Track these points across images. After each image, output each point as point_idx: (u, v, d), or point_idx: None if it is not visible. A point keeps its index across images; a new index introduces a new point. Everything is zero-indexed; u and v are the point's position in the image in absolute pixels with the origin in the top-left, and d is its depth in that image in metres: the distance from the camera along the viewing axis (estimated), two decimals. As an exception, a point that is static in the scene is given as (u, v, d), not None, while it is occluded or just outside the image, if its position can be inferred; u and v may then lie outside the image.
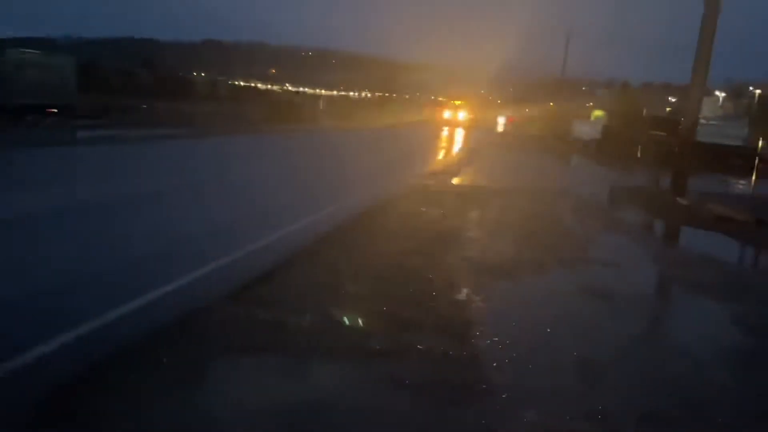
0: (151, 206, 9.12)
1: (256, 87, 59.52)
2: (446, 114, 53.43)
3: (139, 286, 5.20)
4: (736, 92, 62.46)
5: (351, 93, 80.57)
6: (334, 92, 75.19)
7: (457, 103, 56.51)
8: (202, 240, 7.28)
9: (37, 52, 25.30)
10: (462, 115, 52.87)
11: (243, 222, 8.53)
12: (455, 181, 15.11)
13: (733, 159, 24.28)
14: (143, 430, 3.23)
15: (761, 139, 16.02)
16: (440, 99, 68.98)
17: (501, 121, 56.47)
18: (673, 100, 75.54)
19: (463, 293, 5.91)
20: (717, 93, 63.53)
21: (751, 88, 56.87)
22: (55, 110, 22.78)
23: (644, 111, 36.92)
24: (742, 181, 20.72)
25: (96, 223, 7.80)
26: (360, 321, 4.93)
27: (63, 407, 3.39)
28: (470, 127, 47.32)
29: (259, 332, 4.51)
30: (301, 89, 68.17)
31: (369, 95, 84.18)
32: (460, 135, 38.85)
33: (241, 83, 60.54)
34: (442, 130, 42.37)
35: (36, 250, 6.38)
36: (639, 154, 22.19)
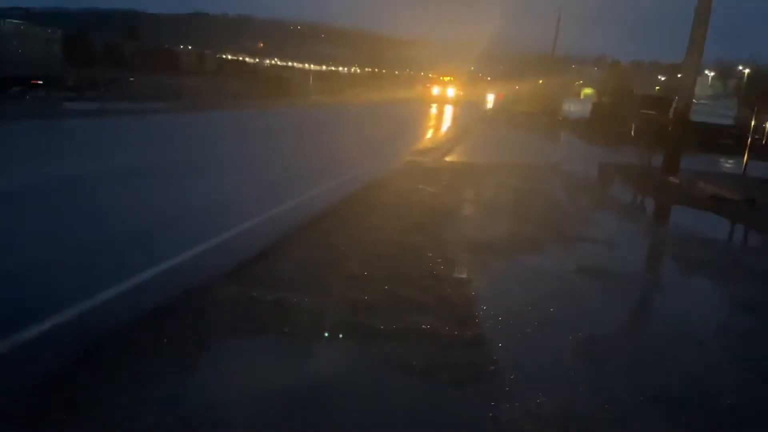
0: (139, 181, 9.00)
1: (243, 61, 58.74)
2: (435, 90, 53.20)
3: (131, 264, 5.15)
4: (725, 72, 62.67)
5: (340, 68, 79.79)
6: (323, 67, 74.47)
7: (447, 79, 56.25)
8: (196, 217, 7.20)
9: (22, 22, 24.82)
10: (451, 91, 52.64)
11: (241, 198, 8.46)
12: (449, 158, 15.06)
13: (724, 138, 24.43)
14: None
15: (753, 118, 16.08)
16: (430, 75, 68.62)
17: (490, 98, 56.29)
18: (663, 78, 75.72)
19: (464, 271, 5.90)
20: (707, 72, 63.67)
21: (740, 67, 57.08)
22: (41, 82, 22.40)
23: (634, 90, 36.94)
24: (731, 161, 20.85)
25: (87, 198, 7.70)
26: (361, 300, 4.90)
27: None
28: (460, 104, 47.18)
29: (258, 312, 4.47)
30: (289, 64, 67.46)
31: (358, 71, 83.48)
32: (450, 112, 38.71)
33: (229, 57, 59.76)
34: (432, 106, 42.18)
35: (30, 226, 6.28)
36: (632, 133, 22.23)
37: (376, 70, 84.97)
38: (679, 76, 16.43)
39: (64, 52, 26.40)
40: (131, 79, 28.82)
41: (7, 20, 24.13)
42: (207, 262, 5.56)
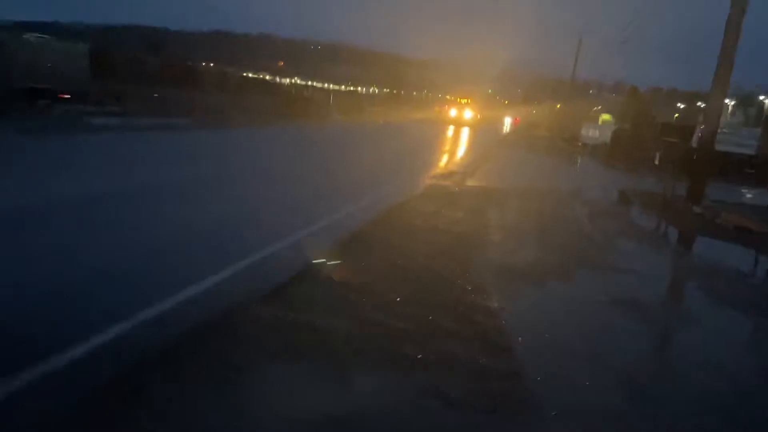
0: (175, 197, 9.08)
1: (264, 79, 59.40)
2: (452, 112, 53.15)
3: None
4: (746, 100, 62.37)
5: (359, 88, 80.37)
6: (342, 87, 75.04)
7: (464, 101, 56.33)
8: (226, 236, 7.24)
9: (51, 37, 25.21)
10: (468, 114, 52.61)
11: (267, 219, 8.50)
12: (469, 182, 15.04)
13: (746, 168, 24.21)
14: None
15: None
16: (447, 97, 68.81)
17: (508, 122, 56.39)
18: (682, 106, 75.44)
19: (494, 299, 5.86)
20: (727, 101, 63.36)
21: (761, 97, 56.81)
22: (68, 96, 22.74)
23: (654, 117, 36.82)
24: (754, 191, 20.64)
25: (139, 210, 7.76)
26: (394, 326, 4.88)
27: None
28: (477, 127, 47.20)
29: (291, 336, 4.46)
30: (310, 83, 68.07)
31: (377, 91, 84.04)
32: (468, 135, 38.73)
33: (250, 75, 60.42)
34: (450, 129, 42.25)
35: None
36: (656, 161, 22.10)
37: (395, 91, 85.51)
38: (699, 104, 16.33)
39: (89, 66, 26.75)
40: (154, 94, 29.20)
41: (35, 34, 24.54)
42: (240, 283, 5.57)
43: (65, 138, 15.37)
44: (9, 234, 6.44)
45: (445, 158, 22.95)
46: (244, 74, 55.48)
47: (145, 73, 37.82)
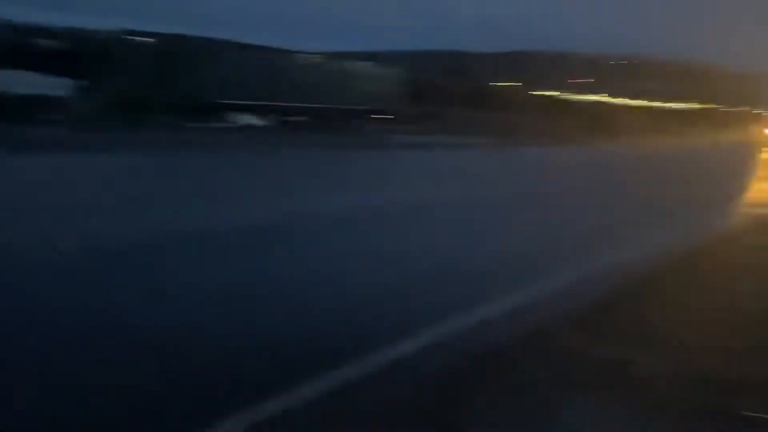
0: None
1: (561, 98, 58.57)
2: (769, 131, 45.55)
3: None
4: None
5: (669, 104, 74.36)
6: (648, 103, 70.12)
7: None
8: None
9: (370, 63, 28.28)
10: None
11: (569, 242, 8.28)
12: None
13: None
14: None
15: None
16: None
17: None
18: None
19: None
20: None
21: None
22: (383, 116, 25.24)
23: None
24: None
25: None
26: (726, 377, 4.14)
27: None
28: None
29: (600, 366, 4.12)
30: (612, 100, 65.21)
31: (689, 107, 76.76)
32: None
33: (546, 94, 60.09)
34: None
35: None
36: None
37: (709, 106, 77.12)
38: None
39: (400, 90, 29.33)
40: (458, 115, 30.82)
41: (360, 62, 27.75)
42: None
43: (388, 153, 17.15)
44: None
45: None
46: (540, 93, 55.50)
47: (447, 96, 40.26)
